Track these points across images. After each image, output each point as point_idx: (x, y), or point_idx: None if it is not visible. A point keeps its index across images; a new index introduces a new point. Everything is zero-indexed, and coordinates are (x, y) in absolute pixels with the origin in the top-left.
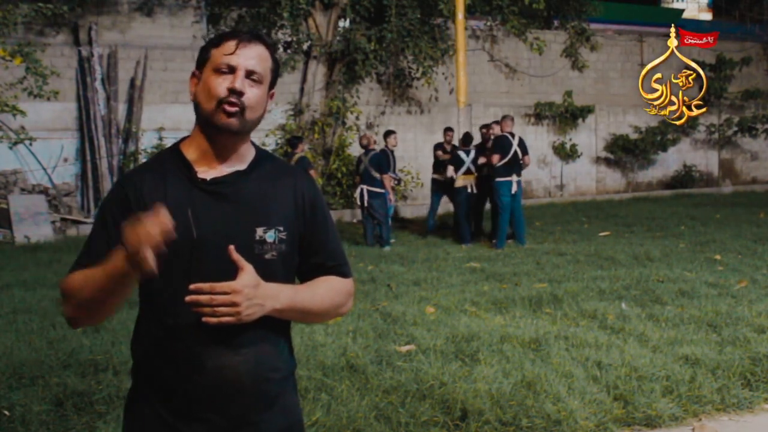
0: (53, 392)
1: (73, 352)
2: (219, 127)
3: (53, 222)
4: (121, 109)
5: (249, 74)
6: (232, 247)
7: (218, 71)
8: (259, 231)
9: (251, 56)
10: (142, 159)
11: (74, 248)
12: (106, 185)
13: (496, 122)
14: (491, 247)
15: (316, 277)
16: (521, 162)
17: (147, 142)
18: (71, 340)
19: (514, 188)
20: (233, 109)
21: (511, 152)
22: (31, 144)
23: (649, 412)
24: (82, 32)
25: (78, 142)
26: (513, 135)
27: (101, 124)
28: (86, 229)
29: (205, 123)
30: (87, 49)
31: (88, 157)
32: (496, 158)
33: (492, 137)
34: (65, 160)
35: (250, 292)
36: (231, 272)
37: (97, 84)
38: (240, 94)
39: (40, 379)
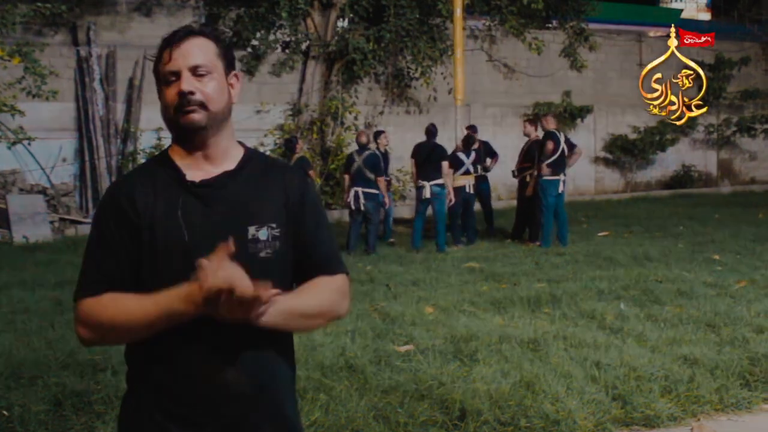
0: (52, 392)
1: (72, 352)
2: (185, 127)
3: (52, 222)
4: (120, 109)
5: (194, 70)
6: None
7: (167, 83)
8: (252, 230)
9: (188, 53)
10: (141, 159)
11: (73, 248)
12: (105, 185)
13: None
14: (530, 245)
15: (306, 276)
16: (568, 159)
17: (146, 142)
18: (70, 340)
19: (561, 187)
20: (190, 108)
21: (559, 150)
22: (29, 144)
23: (647, 412)
24: (81, 32)
25: (76, 142)
26: (559, 132)
27: (100, 124)
28: (85, 229)
29: (175, 132)
30: (85, 49)
31: (87, 157)
32: (550, 145)
33: (538, 135)
34: (64, 160)
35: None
36: None
37: (96, 84)
38: (190, 93)
39: (39, 379)
